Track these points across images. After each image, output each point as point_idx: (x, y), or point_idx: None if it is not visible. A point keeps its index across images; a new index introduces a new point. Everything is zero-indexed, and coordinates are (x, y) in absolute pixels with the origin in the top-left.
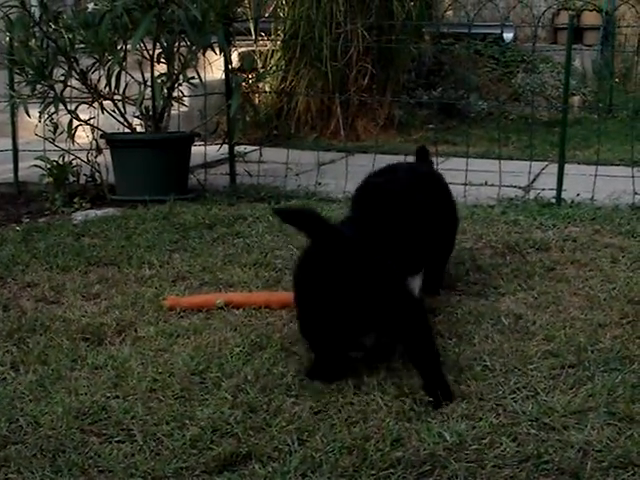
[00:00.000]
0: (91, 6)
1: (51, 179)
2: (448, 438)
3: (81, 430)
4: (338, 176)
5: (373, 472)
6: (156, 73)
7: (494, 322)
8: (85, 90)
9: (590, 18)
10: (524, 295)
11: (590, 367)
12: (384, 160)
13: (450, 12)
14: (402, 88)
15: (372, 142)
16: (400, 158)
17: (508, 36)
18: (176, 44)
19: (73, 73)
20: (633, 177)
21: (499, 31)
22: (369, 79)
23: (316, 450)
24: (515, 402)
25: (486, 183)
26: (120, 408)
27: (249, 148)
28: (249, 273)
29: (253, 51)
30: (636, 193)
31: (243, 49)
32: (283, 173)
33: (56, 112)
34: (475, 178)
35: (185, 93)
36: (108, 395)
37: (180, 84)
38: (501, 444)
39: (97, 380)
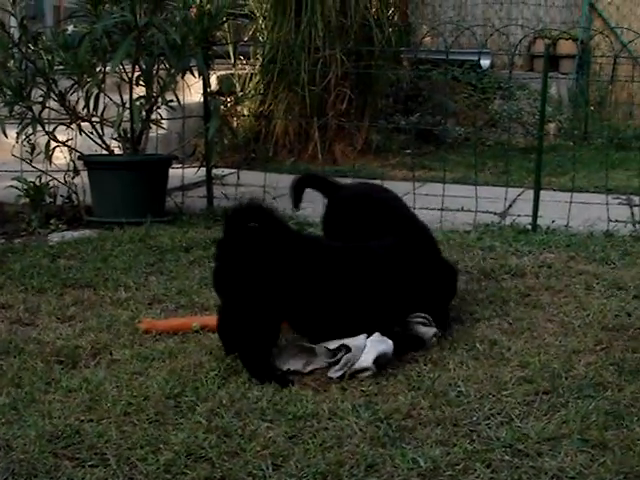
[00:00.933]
0: (70, 28)
1: (28, 200)
2: (422, 464)
3: (54, 454)
4: (316, 200)
5: None
6: (135, 95)
7: (469, 348)
8: (63, 112)
9: (566, 47)
10: (499, 321)
11: (564, 394)
12: None
13: (428, 38)
14: (380, 113)
15: (349, 166)
16: (378, 182)
17: (485, 63)
18: (155, 67)
19: (51, 94)
20: (607, 204)
21: (476, 58)
22: (347, 104)
23: (290, 475)
24: (489, 428)
25: (462, 209)
26: (94, 432)
27: (227, 171)
28: None
29: (232, 74)
30: (610, 220)
31: (222, 72)
32: (261, 196)
33: (34, 133)
34: (451, 203)
35: (163, 116)
36: (82, 419)
37: (158, 107)
38: (475, 470)
39: (71, 403)
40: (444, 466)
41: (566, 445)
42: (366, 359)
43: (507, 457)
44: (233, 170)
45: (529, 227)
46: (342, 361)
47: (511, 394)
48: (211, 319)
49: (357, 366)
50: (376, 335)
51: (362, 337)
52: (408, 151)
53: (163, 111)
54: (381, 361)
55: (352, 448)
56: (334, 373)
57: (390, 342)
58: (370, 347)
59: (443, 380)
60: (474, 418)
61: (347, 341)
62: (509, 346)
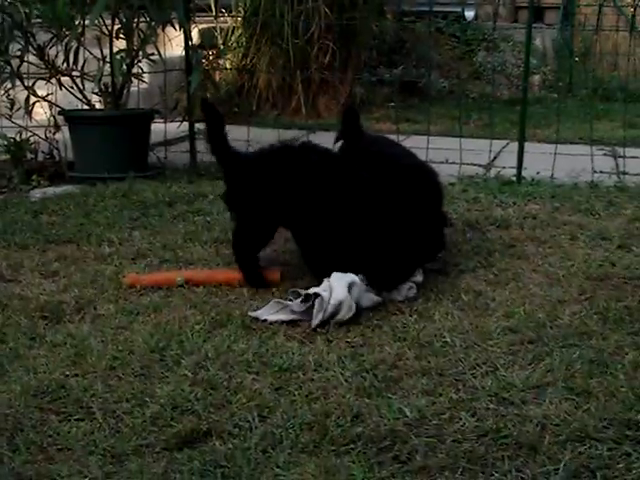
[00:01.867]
0: None
1: (8, 156)
2: (408, 414)
3: (40, 408)
4: None
5: (333, 448)
6: (115, 49)
7: (454, 299)
8: (42, 66)
9: None
10: (484, 272)
11: (549, 343)
12: None
13: None
14: (363, 66)
15: (333, 120)
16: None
17: (469, 14)
18: (135, 20)
19: (30, 48)
20: (592, 155)
21: (460, 9)
22: (330, 57)
23: (276, 426)
24: (474, 377)
25: (447, 161)
26: (79, 386)
27: None
28: (209, 251)
29: (214, 28)
30: (595, 171)
31: (203, 25)
32: (244, 150)
33: (13, 88)
34: (436, 156)
35: (144, 70)
36: (67, 373)
37: (139, 60)
38: (460, 419)
39: (56, 358)
40: (430, 415)
41: (551, 393)
42: (338, 293)
43: (492, 405)
44: None
45: (514, 179)
46: (316, 306)
47: (496, 344)
48: (195, 273)
49: (333, 302)
50: (335, 274)
51: (325, 280)
52: (392, 104)
53: (144, 65)
54: (355, 294)
55: (338, 399)
56: (315, 320)
57: (352, 275)
58: (334, 283)
59: (429, 331)
60: (459, 368)
61: (314, 289)
62: (494, 297)
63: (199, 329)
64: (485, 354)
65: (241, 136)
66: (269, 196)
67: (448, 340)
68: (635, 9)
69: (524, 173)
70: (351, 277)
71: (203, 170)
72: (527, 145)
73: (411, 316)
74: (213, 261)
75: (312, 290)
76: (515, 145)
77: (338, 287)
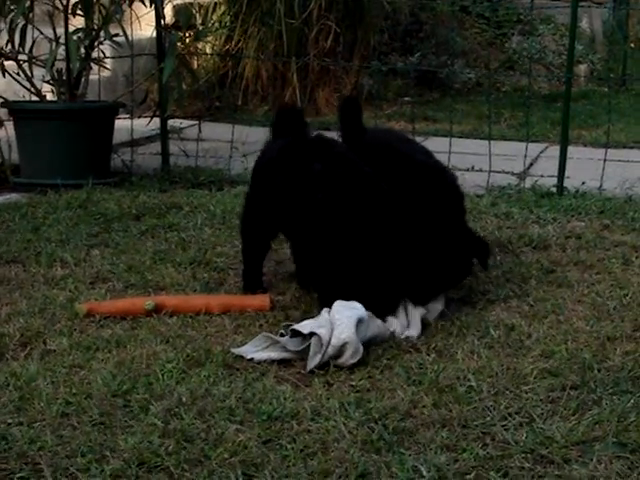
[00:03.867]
0: None
1: None
2: (425, 473)
3: None
4: None
5: None
6: (71, 28)
7: (481, 334)
8: None
9: None
10: (517, 302)
11: (596, 389)
12: None
13: None
14: (372, 52)
15: (335, 117)
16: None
17: None
18: None
19: None
20: None
21: None
22: (332, 41)
23: None
24: (506, 430)
25: (473, 168)
26: (24, 437)
27: (186, 123)
28: (185, 274)
29: (191, 4)
30: None
31: (179, 1)
32: (227, 153)
33: None
34: (460, 162)
35: (107, 54)
36: (9, 421)
37: (101, 42)
38: None
39: None
40: (451, 475)
41: (599, 450)
42: (341, 332)
43: (527, 464)
44: (194, 122)
45: (554, 190)
46: (312, 346)
47: (532, 389)
48: (168, 299)
49: (335, 343)
50: (338, 304)
51: (324, 312)
52: (407, 99)
53: (107, 48)
54: (363, 334)
55: (340, 454)
56: (310, 363)
57: (360, 306)
58: (337, 317)
59: (450, 372)
60: (487, 418)
61: (311, 324)
62: (530, 332)
63: (171, 368)
64: (519, 402)
65: (223, 135)
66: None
67: (473, 384)
68: None
69: (566, 183)
70: (358, 309)
71: (177, 176)
72: (570, 149)
73: (428, 355)
74: (189, 286)
75: (308, 327)
76: (556, 149)
77: (342, 324)
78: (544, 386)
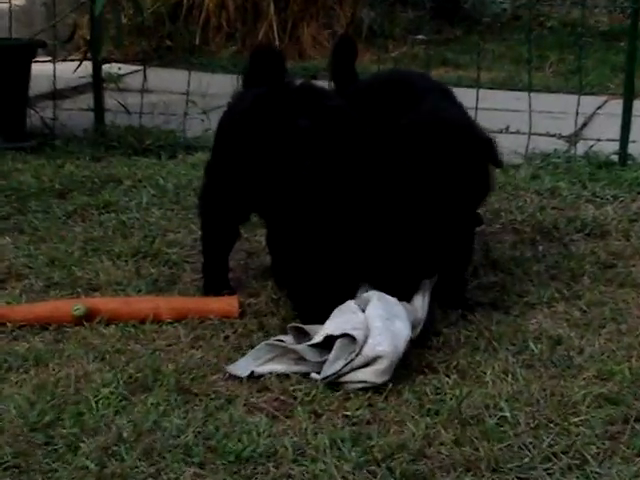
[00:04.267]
0: None
1: None
2: None
3: None
4: None
5: None
6: None
7: (518, 349)
8: None
9: None
10: (566, 307)
11: None
12: None
13: None
14: None
15: (325, 61)
16: None
17: None
18: None
19: None
20: None
21: None
22: None
23: None
24: (550, 475)
25: (507, 129)
26: None
27: (126, 68)
28: (125, 269)
29: None
30: None
31: None
32: (181, 109)
33: None
34: (490, 121)
35: None
36: None
37: None
38: None
39: None
40: None
41: None
42: (379, 342)
43: None
44: (137, 67)
45: (615, 158)
46: (334, 349)
47: (585, 421)
48: (103, 302)
49: (368, 353)
50: (377, 298)
51: (353, 307)
52: (420, 37)
53: None
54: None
55: None
56: (330, 368)
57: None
58: (378, 326)
59: (476, 399)
60: (525, 459)
61: (340, 325)
62: (582, 346)
63: (108, 394)
64: (567, 438)
65: (176, 85)
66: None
67: (507, 414)
68: None
69: (631, 149)
70: (403, 318)
71: (115, 140)
72: (637, 105)
73: (448, 376)
74: (131, 285)
75: (337, 328)
76: (618, 104)
77: (382, 334)
78: (600, 417)
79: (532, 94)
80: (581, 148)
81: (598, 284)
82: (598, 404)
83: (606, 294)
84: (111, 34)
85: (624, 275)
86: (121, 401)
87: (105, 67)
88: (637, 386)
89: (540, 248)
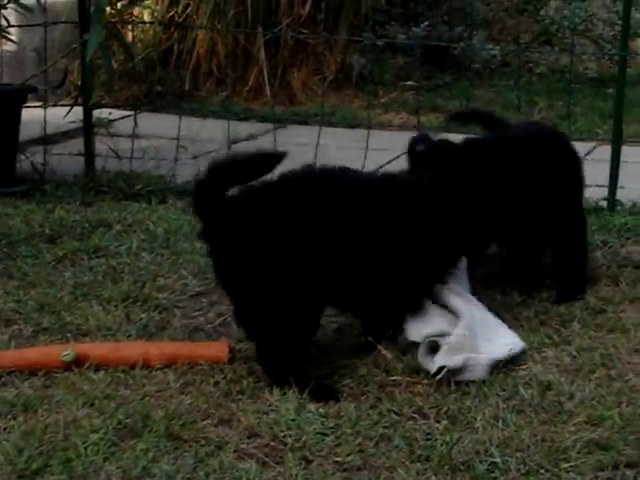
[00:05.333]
0: None
1: None
2: None
3: None
4: None
5: None
6: None
7: (508, 395)
8: None
9: None
10: (556, 352)
11: None
12: (335, 135)
13: None
14: (364, 22)
15: (316, 107)
16: (362, 133)
17: None
18: None
19: None
20: None
21: None
22: (312, 6)
23: None
24: None
25: None
26: None
27: (117, 113)
28: (115, 314)
29: None
30: None
31: None
32: (172, 154)
33: None
34: None
35: (12, 22)
36: None
37: (4, 6)
38: None
39: None
40: None
41: None
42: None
43: None
44: (128, 112)
45: (603, 204)
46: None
47: (575, 467)
48: (92, 348)
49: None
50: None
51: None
52: (410, 83)
53: (10, 13)
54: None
55: None
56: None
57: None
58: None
59: (466, 445)
60: None
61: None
62: (572, 392)
63: (97, 440)
64: None
65: (166, 130)
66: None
67: (498, 460)
68: None
69: (620, 195)
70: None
71: (106, 184)
72: (625, 151)
73: (438, 421)
74: (121, 330)
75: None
76: (606, 150)
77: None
78: (590, 463)
79: None
80: None
81: (588, 329)
82: (588, 450)
83: (596, 339)
84: (102, 79)
85: (614, 320)
86: (110, 447)
87: (96, 112)
88: (627, 432)
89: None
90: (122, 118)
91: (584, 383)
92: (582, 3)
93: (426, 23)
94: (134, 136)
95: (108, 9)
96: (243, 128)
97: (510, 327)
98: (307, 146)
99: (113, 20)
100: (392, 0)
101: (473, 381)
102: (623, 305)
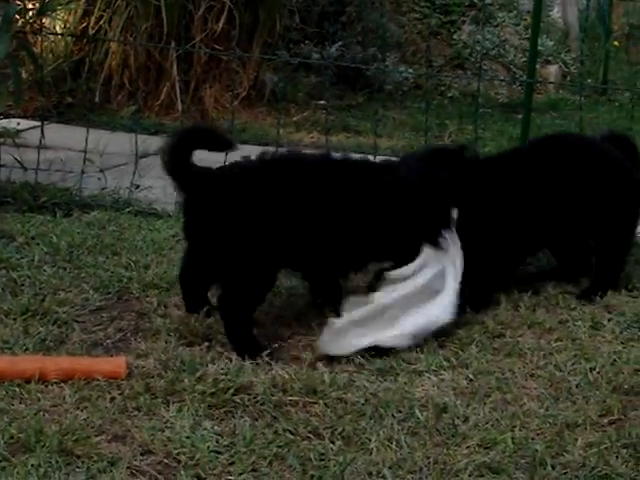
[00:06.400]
0: None
1: None
2: None
3: None
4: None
5: None
6: None
7: (403, 416)
8: None
9: None
10: (453, 375)
11: None
12: (245, 152)
13: None
14: (279, 40)
15: (227, 123)
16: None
17: None
18: None
19: None
20: None
21: None
22: (226, 22)
23: None
24: None
25: None
26: None
27: (24, 124)
28: (14, 327)
29: None
30: None
31: None
32: (79, 166)
33: None
34: None
35: None
36: None
37: None
38: None
39: None
40: None
41: None
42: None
43: None
44: (35, 123)
45: None
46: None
47: None
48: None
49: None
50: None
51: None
52: (322, 102)
53: None
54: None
55: None
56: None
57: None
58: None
59: (359, 466)
60: None
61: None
62: (467, 415)
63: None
64: None
65: (75, 143)
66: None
67: None
68: None
69: None
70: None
71: (10, 195)
72: None
73: (333, 441)
74: (18, 344)
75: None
76: None
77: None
78: None
79: None
80: None
81: (486, 353)
82: (480, 473)
83: (493, 363)
84: (9, 89)
85: (511, 345)
86: (1, 462)
87: (3, 122)
88: (519, 456)
89: None
90: (31, 128)
91: (479, 406)
92: (495, 29)
93: (340, 43)
94: (41, 147)
95: (17, 18)
96: (153, 142)
97: (409, 349)
98: (216, 162)
99: (22, 30)
100: (306, 19)
101: (365, 403)
102: (521, 330)
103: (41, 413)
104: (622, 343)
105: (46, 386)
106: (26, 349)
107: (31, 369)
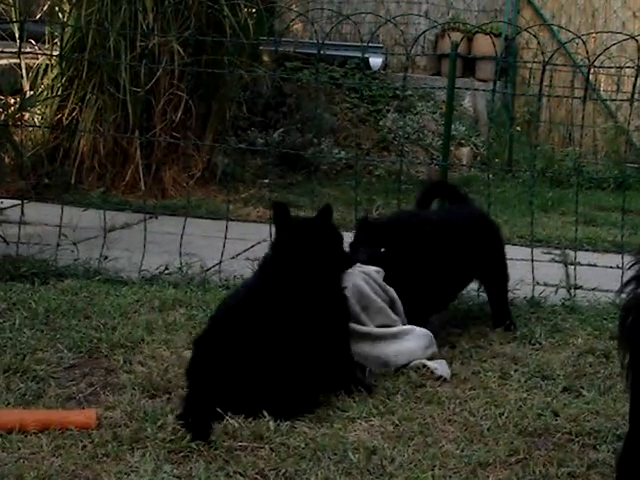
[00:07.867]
0: None
1: None
2: None
3: None
4: (133, 247)
5: None
6: None
7: (338, 458)
8: None
9: (485, 44)
10: (381, 421)
11: None
12: (200, 225)
13: (298, 25)
14: (229, 127)
15: (184, 200)
16: (223, 224)
17: (376, 62)
18: None
19: None
20: (533, 261)
21: (364, 55)
22: (183, 113)
23: None
24: None
25: None
26: None
27: (6, 203)
28: None
29: (17, 65)
30: (537, 283)
31: (2, 62)
32: (55, 240)
33: None
34: None
35: None
36: None
37: None
38: None
39: None
40: None
41: None
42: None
43: None
44: (16, 201)
45: None
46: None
47: None
48: None
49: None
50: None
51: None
52: (266, 181)
53: None
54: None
55: None
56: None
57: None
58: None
59: None
60: None
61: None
62: (393, 456)
63: None
64: None
65: (51, 219)
66: None
67: None
68: (591, 67)
69: None
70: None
71: None
72: None
73: None
74: (1, 399)
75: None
76: None
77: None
78: None
79: None
80: None
81: (409, 401)
82: None
83: (415, 410)
84: None
85: (431, 394)
86: None
87: None
88: None
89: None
90: (12, 206)
91: (404, 448)
92: (415, 116)
93: (281, 130)
94: (21, 223)
95: (0, 110)
96: (119, 218)
97: (342, 398)
98: (174, 235)
99: (5, 122)
100: (253, 109)
101: (305, 447)
102: (440, 381)
103: (21, 460)
104: (527, 391)
105: (26, 436)
106: (8, 403)
107: (12, 421)
